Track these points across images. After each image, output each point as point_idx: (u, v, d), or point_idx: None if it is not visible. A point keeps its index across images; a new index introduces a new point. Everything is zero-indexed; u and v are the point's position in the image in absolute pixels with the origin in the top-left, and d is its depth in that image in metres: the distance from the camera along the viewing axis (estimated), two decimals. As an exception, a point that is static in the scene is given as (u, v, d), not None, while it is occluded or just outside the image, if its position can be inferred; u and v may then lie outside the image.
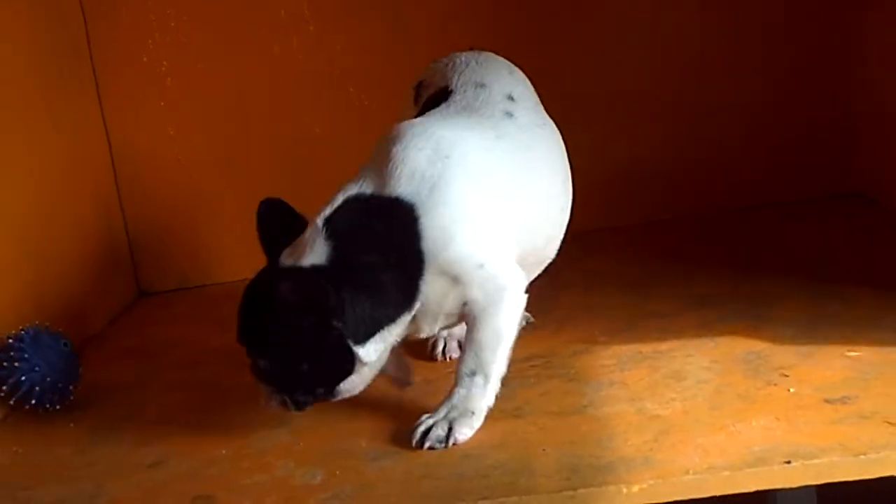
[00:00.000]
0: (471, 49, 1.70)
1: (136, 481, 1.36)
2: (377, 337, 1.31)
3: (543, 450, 1.29)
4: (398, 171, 1.32)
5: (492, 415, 1.41)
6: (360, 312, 1.28)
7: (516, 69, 1.63)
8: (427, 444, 1.33)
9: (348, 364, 1.31)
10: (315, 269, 1.28)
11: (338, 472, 1.30)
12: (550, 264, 1.59)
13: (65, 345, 1.70)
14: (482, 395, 1.35)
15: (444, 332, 1.68)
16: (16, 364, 1.63)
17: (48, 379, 1.64)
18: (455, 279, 1.32)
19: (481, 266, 1.33)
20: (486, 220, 1.36)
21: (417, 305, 1.33)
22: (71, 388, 1.68)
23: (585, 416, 1.38)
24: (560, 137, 1.59)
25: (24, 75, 1.99)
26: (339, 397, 1.36)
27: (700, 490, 1.17)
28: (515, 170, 1.46)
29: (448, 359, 1.68)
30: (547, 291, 1.88)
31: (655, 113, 2.41)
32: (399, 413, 1.47)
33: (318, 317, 1.27)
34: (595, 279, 2.05)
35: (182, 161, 2.39)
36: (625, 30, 2.39)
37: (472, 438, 1.35)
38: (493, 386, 1.36)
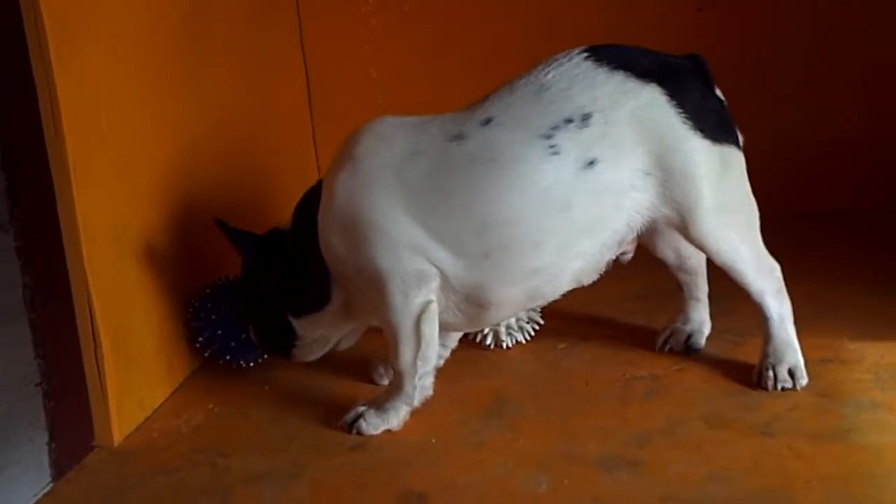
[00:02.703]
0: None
1: (337, 464, 1.25)
2: (309, 318, 1.41)
3: (806, 482, 1.11)
4: (325, 185, 1.34)
5: (738, 428, 1.25)
6: (288, 288, 1.40)
7: (595, 92, 1.29)
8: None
9: (286, 330, 1.44)
10: (273, 232, 1.44)
11: (566, 482, 1.15)
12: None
13: (262, 300, 1.60)
14: (396, 394, 1.34)
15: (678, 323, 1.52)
16: (213, 317, 1.54)
17: (244, 335, 1.55)
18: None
19: (358, 273, 1.31)
20: (372, 233, 1.29)
21: (337, 302, 1.39)
22: (266, 346, 1.58)
23: (851, 444, 1.19)
24: (528, 178, 1.26)
25: (230, 10, 1.89)
26: (295, 359, 1.50)
27: None
28: (410, 201, 1.28)
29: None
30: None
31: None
32: (627, 411, 1.32)
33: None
34: (830, 271, 1.82)
35: (383, 105, 2.26)
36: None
37: (719, 455, 1.18)
38: (407, 387, 1.33)
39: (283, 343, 1.46)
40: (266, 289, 1.42)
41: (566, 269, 1.31)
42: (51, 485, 2.01)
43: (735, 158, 1.34)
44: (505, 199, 1.26)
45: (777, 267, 1.37)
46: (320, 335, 1.46)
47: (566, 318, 1.65)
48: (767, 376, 1.35)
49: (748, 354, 1.45)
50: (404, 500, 1.14)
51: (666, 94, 1.29)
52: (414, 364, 1.31)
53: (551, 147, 1.26)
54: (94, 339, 1.34)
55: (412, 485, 1.17)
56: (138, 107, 1.50)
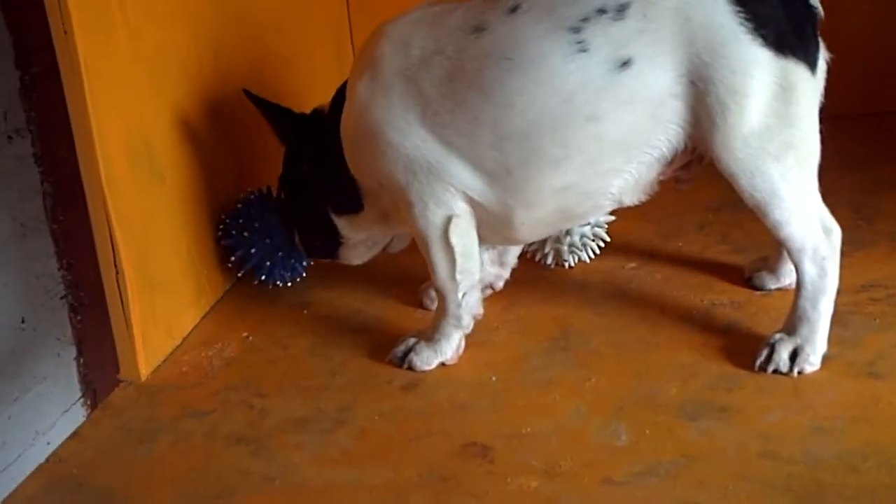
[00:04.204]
0: None
1: (387, 408, 1.12)
2: (349, 219, 1.29)
3: (926, 437, 0.97)
4: (348, 89, 1.20)
5: (838, 368, 1.11)
6: (326, 180, 1.27)
7: None
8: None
9: (329, 229, 1.31)
10: (315, 112, 1.30)
11: (648, 432, 1.02)
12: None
13: (299, 214, 1.46)
14: (443, 317, 1.21)
15: None
16: (245, 234, 1.41)
17: (279, 253, 1.41)
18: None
19: (381, 187, 1.19)
20: (390, 143, 1.15)
21: (371, 209, 1.26)
22: (304, 264, 1.45)
23: (973, 387, 1.05)
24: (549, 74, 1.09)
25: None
26: (341, 261, 1.38)
27: None
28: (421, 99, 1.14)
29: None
30: (866, 194, 1.54)
31: None
32: (709, 345, 1.18)
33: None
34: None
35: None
36: None
37: (820, 401, 1.05)
38: (450, 305, 1.21)
39: (327, 243, 1.34)
40: (304, 173, 1.30)
41: (599, 187, 1.14)
42: (80, 400, 1.92)
43: (802, 80, 1.08)
44: (520, 105, 1.09)
45: (836, 231, 1.14)
46: (365, 237, 1.34)
47: (633, 234, 1.50)
48: (760, 352, 1.13)
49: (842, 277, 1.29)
50: (466, 454, 1.01)
51: None
52: (453, 278, 1.19)
53: (578, 43, 1.07)
54: (115, 265, 1.21)
55: (472, 434, 1.04)
56: (161, 7, 1.34)
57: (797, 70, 1.08)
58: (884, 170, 1.67)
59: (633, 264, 1.42)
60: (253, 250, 1.41)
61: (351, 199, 1.27)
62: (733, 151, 1.08)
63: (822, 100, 1.15)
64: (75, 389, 1.92)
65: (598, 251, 1.43)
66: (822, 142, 1.13)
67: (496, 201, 1.15)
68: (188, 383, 1.22)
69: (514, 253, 1.38)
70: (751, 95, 1.07)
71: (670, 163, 1.13)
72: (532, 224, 1.18)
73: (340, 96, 1.24)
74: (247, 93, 1.30)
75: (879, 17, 1.98)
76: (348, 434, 1.07)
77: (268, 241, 1.41)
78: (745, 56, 1.06)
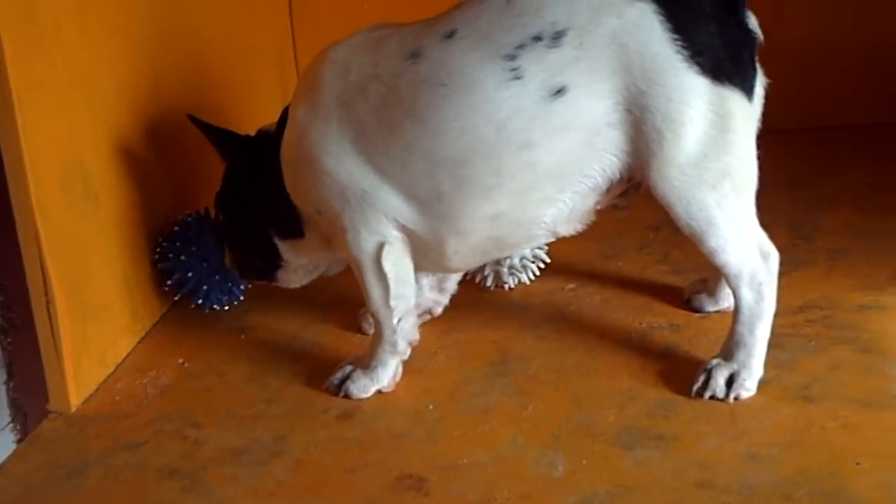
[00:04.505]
0: None
1: (323, 437, 1.11)
2: (292, 243, 1.27)
3: (857, 463, 0.98)
4: (289, 115, 1.20)
5: (775, 392, 1.12)
6: (271, 203, 1.25)
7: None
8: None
9: (270, 251, 1.29)
10: (260, 133, 1.29)
11: (584, 462, 1.01)
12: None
13: (237, 236, 1.44)
14: (378, 343, 1.21)
15: None
16: (182, 257, 1.39)
17: (217, 276, 1.39)
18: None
19: (319, 213, 1.19)
20: (326, 169, 1.15)
21: (313, 235, 1.25)
22: (242, 287, 1.43)
23: (903, 412, 1.06)
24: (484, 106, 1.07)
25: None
26: (278, 284, 1.35)
27: None
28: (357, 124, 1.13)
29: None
30: (805, 212, 1.56)
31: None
32: (647, 369, 1.18)
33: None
34: (868, 194, 1.65)
35: (368, 9, 2.06)
36: None
37: (756, 427, 1.05)
38: (385, 331, 1.20)
39: (265, 265, 1.32)
40: (248, 195, 1.27)
41: (532, 216, 1.13)
42: (10, 425, 1.88)
43: (739, 107, 1.07)
44: (454, 132, 1.08)
45: (773, 255, 1.14)
46: (307, 262, 1.32)
47: (574, 254, 1.49)
48: (697, 378, 1.13)
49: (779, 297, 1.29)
50: (401, 486, 1.00)
51: (659, 13, 1.05)
52: (387, 304, 1.18)
53: (513, 70, 1.06)
54: (46, 292, 1.18)
55: (409, 465, 1.03)
56: (97, 29, 1.31)
57: (734, 97, 1.07)
58: (823, 186, 1.69)
59: (572, 285, 1.41)
60: (190, 274, 1.39)
61: (293, 224, 1.25)
62: (669, 180, 1.08)
63: (760, 120, 1.15)
64: (4, 414, 1.87)
65: (538, 272, 1.42)
66: (761, 158, 1.13)
67: (428, 229, 1.14)
68: (121, 413, 1.19)
69: (454, 279, 1.37)
70: (687, 123, 1.06)
71: (606, 192, 1.13)
72: (465, 252, 1.17)
73: (285, 118, 1.22)
74: (191, 118, 1.27)
75: (818, 34, 2.00)
76: (284, 465, 1.06)
77: (205, 264, 1.39)
78: (682, 84, 1.05)
